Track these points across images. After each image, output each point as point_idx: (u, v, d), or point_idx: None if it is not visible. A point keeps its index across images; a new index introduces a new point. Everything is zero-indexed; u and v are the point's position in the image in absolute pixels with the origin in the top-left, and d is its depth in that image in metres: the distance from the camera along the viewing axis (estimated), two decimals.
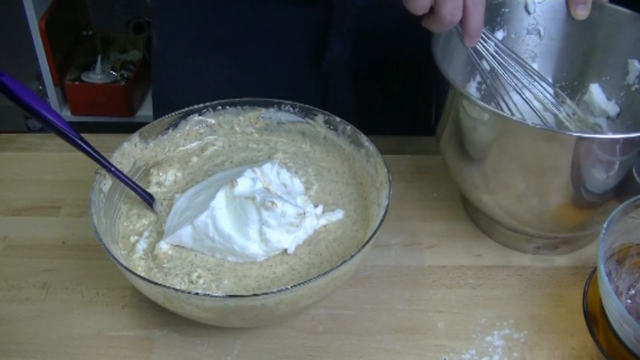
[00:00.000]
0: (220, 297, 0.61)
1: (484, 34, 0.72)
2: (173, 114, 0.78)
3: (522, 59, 0.76)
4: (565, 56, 0.83)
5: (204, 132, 0.81)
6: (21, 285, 0.74)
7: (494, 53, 0.72)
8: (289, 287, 0.59)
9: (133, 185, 0.73)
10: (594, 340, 0.62)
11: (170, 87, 0.96)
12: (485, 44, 0.72)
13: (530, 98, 0.75)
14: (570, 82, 0.84)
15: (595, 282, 0.63)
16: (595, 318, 0.64)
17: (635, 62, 0.78)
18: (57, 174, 0.89)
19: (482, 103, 0.65)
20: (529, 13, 0.81)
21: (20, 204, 0.85)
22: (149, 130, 0.77)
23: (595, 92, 0.82)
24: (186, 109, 0.79)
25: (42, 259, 0.77)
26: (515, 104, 0.73)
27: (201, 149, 0.81)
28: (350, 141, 0.77)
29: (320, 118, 0.79)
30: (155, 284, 0.61)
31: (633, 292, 0.66)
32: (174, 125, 0.79)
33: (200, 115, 0.80)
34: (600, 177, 0.64)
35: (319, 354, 0.68)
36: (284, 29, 0.90)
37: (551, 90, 0.80)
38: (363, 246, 0.63)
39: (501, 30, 0.82)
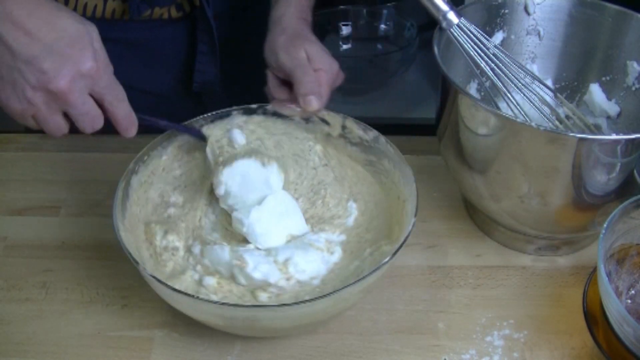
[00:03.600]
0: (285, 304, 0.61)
1: (483, 36, 0.72)
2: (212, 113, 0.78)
3: (520, 63, 0.76)
4: (565, 56, 0.83)
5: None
6: (21, 285, 0.74)
7: (492, 56, 0.72)
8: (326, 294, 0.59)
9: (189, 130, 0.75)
10: (594, 340, 0.62)
11: None
12: (483, 48, 0.72)
13: (531, 99, 0.75)
14: (570, 82, 0.84)
15: (595, 282, 0.63)
16: (595, 318, 0.64)
17: (635, 64, 0.78)
18: (57, 174, 0.89)
19: (484, 104, 0.65)
20: (528, 14, 0.81)
21: (20, 204, 0.85)
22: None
23: (595, 92, 0.82)
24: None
25: (42, 259, 0.77)
26: (515, 105, 0.73)
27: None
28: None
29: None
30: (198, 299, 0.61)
31: (633, 292, 0.66)
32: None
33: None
34: (601, 178, 0.64)
35: (319, 354, 0.68)
36: (153, 53, 0.92)
37: (550, 92, 0.80)
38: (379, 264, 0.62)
39: (501, 32, 0.82)
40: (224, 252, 0.66)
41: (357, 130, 0.78)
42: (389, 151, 0.74)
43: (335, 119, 0.78)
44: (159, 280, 0.60)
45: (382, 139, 0.75)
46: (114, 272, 0.75)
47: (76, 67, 0.59)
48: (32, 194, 0.86)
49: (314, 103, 0.73)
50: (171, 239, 0.69)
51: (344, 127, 0.78)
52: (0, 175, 0.89)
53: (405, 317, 0.71)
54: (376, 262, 0.67)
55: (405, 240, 0.64)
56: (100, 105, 0.64)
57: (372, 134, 0.76)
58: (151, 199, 0.74)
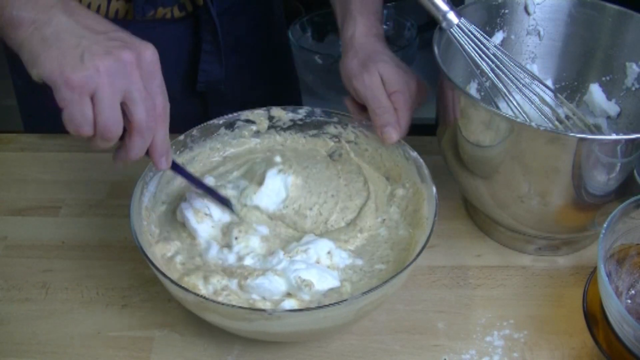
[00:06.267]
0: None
1: (483, 36, 0.72)
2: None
3: (520, 64, 0.76)
4: (565, 56, 0.83)
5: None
6: (21, 285, 0.74)
7: (492, 56, 0.72)
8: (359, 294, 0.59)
9: (220, 197, 0.72)
10: (594, 340, 0.62)
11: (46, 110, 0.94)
12: (483, 48, 0.72)
13: (531, 99, 0.75)
14: (571, 82, 0.84)
15: (596, 282, 0.63)
16: (595, 318, 0.64)
17: (634, 65, 0.78)
18: (57, 174, 0.89)
19: (484, 104, 0.65)
20: (528, 14, 0.81)
21: (20, 204, 0.85)
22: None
23: (596, 92, 0.82)
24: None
25: (42, 259, 0.77)
26: (516, 105, 0.73)
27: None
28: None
29: None
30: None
31: (633, 292, 0.66)
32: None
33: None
34: (601, 178, 0.64)
35: (319, 354, 0.68)
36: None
37: (550, 92, 0.80)
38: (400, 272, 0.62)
39: (501, 32, 0.82)
40: (273, 283, 0.63)
41: (286, 115, 0.79)
42: (331, 118, 0.76)
43: (258, 115, 0.78)
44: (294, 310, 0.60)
45: (318, 110, 0.75)
46: (114, 272, 0.75)
47: (139, 50, 0.58)
48: (32, 194, 0.86)
49: (392, 134, 0.72)
50: (215, 280, 0.64)
51: (271, 118, 0.79)
52: (0, 175, 0.90)
53: (405, 317, 0.71)
54: (404, 207, 0.73)
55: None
56: None
57: (304, 110, 0.78)
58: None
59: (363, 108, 0.76)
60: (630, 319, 0.56)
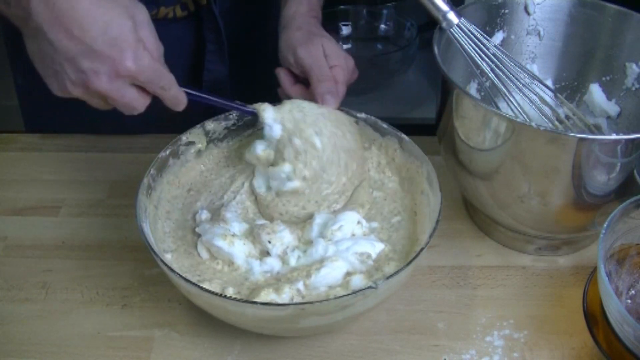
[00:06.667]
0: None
1: (483, 36, 0.72)
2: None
3: (520, 64, 0.76)
4: (566, 56, 0.83)
5: None
6: (21, 285, 0.74)
7: (492, 56, 0.72)
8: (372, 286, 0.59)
9: (239, 107, 0.73)
10: (594, 340, 0.62)
11: (45, 110, 0.96)
12: (483, 48, 0.72)
13: (531, 99, 0.75)
14: (571, 82, 0.84)
15: (596, 282, 0.63)
16: (595, 318, 0.64)
17: (634, 66, 0.78)
18: (57, 174, 0.89)
19: (484, 104, 0.66)
20: (528, 14, 0.81)
21: (20, 204, 0.85)
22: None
23: (596, 92, 0.82)
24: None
25: (42, 259, 0.77)
26: (515, 105, 0.73)
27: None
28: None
29: None
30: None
31: (633, 292, 0.66)
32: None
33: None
34: (601, 178, 0.64)
35: (319, 354, 0.68)
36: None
37: (550, 92, 0.80)
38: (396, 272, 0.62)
39: (501, 32, 0.82)
40: (336, 269, 0.64)
41: (219, 125, 0.78)
42: (265, 109, 0.74)
43: (196, 134, 0.77)
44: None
45: (249, 108, 0.74)
46: (114, 272, 0.75)
47: (114, 68, 0.59)
48: (32, 194, 0.86)
49: (331, 102, 0.74)
50: (287, 289, 0.63)
51: (207, 133, 0.77)
52: (0, 175, 0.89)
53: (405, 317, 0.71)
54: (376, 164, 0.76)
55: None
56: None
57: (234, 115, 0.77)
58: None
59: (296, 80, 0.78)
60: (630, 319, 0.56)
